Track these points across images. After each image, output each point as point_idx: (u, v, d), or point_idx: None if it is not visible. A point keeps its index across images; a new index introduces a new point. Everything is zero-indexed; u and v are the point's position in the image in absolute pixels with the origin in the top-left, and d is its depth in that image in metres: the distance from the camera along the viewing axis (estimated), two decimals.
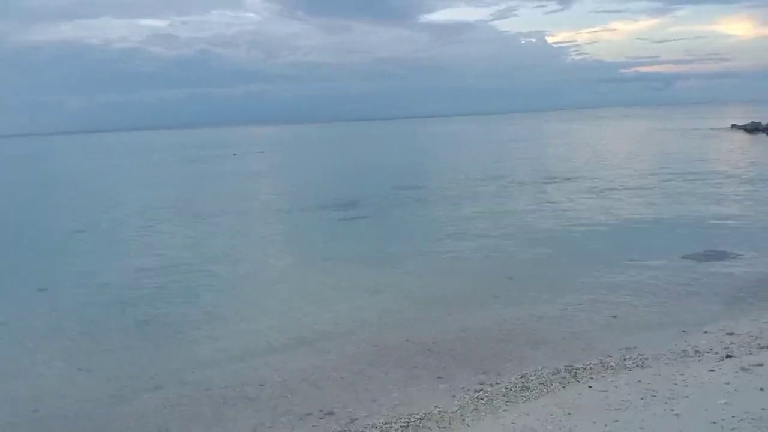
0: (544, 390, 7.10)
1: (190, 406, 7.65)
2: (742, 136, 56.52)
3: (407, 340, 9.45)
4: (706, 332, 8.90)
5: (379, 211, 22.69)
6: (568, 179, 29.13)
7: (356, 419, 6.97)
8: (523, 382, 7.42)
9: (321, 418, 7.07)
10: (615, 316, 9.97)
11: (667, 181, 27.01)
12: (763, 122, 63.79)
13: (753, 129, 60.22)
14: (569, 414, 6.15)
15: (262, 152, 66.17)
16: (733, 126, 68.63)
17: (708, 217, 18.46)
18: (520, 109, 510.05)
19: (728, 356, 7.54)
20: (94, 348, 9.99)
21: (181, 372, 8.74)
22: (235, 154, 63.75)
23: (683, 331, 9.04)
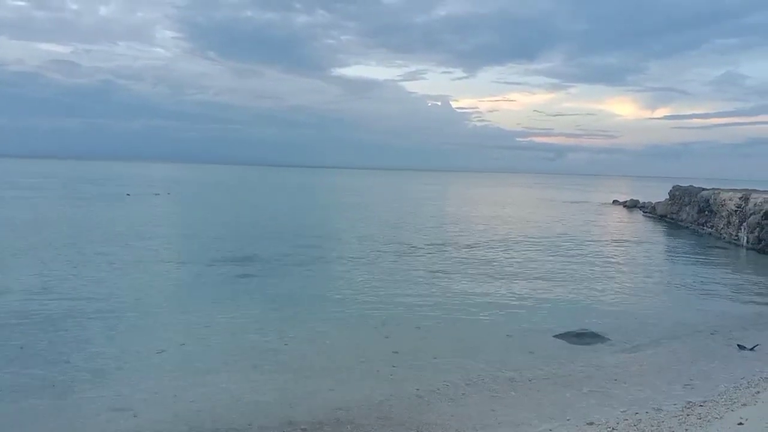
0: None
1: None
2: (622, 212, 61.02)
3: (285, 422, 9.33)
4: (568, 420, 9.40)
5: (272, 270, 22.45)
6: (461, 245, 30.14)
7: None
8: None
9: None
10: (492, 408, 10.22)
11: (551, 254, 28.54)
12: (641, 200, 69.33)
13: (632, 206, 65.26)
14: None
15: (158, 194, 63.96)
16: (615, 201, 74.11)
17: (584, 294, 19.63)
18: (423, 167, 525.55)
19: None
20: None
21: None
22: (128, 195, 61.24)
23: (550, 417, 9.49)
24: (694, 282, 22.80)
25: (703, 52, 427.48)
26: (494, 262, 25.82)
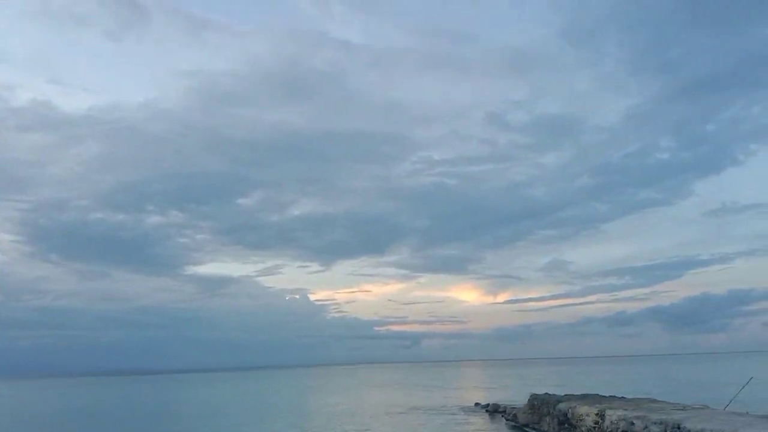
0: None
1: None
2: (485, 420, 59.46)
3: None
4: None
5: None
6: None
7: None
8: None
9: None
10: None
11: None
12: (500, 400, 69.11)
13: (493, 410, 64.25)
14: None
15: None
16: (476, 404, 73.18)
17: None
18: (283, 364, 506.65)
19: None
20: None
21: None
22: None
23: None
24: None
25: (529, 243, 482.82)
26: None
